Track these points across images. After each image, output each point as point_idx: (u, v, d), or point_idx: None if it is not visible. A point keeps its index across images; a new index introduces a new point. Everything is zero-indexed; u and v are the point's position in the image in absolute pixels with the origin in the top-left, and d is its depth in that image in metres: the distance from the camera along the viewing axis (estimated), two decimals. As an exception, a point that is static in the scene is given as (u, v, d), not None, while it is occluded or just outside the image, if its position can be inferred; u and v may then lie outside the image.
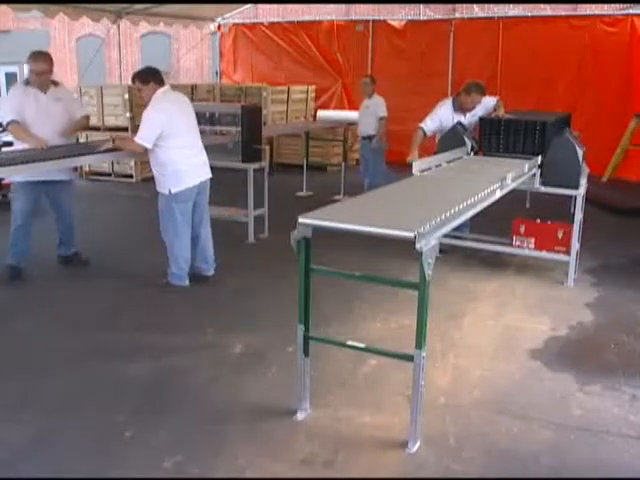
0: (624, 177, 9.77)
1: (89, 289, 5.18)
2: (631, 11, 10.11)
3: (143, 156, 5.18)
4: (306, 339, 3.21)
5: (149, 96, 4.81)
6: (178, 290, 5.05)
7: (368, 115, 8.07)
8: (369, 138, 8.06)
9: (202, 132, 6.49)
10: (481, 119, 5.75)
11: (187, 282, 5.11)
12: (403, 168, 5.31)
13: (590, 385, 3.64)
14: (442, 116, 5.97)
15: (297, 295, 3.16)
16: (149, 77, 4.83)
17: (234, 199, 6.66)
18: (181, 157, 4.85)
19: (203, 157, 5.10)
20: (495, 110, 5.98)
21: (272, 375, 3.73)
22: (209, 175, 5.13)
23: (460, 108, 5.97)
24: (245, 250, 6.31)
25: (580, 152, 5.23)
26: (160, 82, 4.84)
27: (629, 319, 4.62)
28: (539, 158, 5.18)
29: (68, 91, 5.76)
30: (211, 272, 5.28)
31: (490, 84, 10.88)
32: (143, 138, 4.74)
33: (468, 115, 5.98)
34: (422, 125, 5.99)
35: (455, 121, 5.83)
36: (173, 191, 4.85)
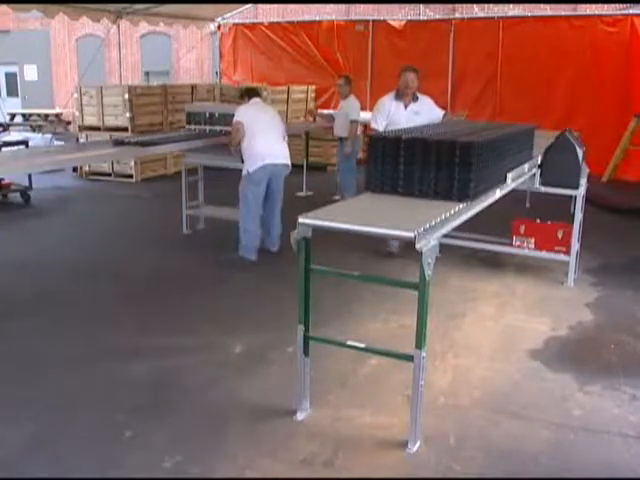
0: (624, 177, 9.78)
1: (90, 289, 5.18)
2: (631, 11, 10.12)
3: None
4: (306, 339, 3.21)
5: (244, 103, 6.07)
6: (246, 264, 5.72)
7: (341, 117, 8.02)
8: (341, 140, 8.04)
9: (202, 132, 6.55)
10: (371, 137, 3.84)
11: (254, 256, 5.84)
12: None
13: (590, 385, 3.64)
14: (383, 105, 5.82)
15: (297, 295, 3.16)
16: (244, 94, 6.19)
17: (234, 199, 6.65)
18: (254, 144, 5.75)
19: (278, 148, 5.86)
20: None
21: (272, 375, 3.73)
22: (283, 161, 5.85)
23: (399, 95, 5.81)
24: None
25: (580, 152, 5.23)
26: (249, 97, 6.08)
27: (629, 319, 4.62)
28: (459, 205, 3.39)
29: None
30: (274, 248, 6.06)
31: (490, 84, 11.00)
32: (235, 118, 5.84)
33: (409, 108, 5.78)
34: (373, 126, 5.81)
35: (398, 109, 5.68)
36: (250, 171, 5.76)
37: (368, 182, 3.68)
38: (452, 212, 3.25)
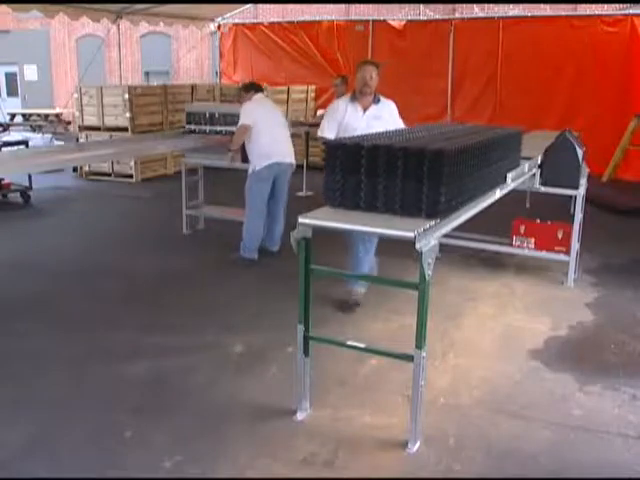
0: (624, 177, 9.78)
1: (89, 289, 5.18)
2: (631, 11, 10.12)
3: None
4: (306, 339, 3.21)
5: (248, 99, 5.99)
6: (247, 264, 5.73)
7: None
8: None
9: (202, 132, 6.56)
10: (327, 145, 3.51)
11: (256, 255, 5.84)
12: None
13: (590, 385, 3.64)
14: (334, 110, 4.83)
15: (297, 295, 3.16)
16: (247, 89, 6.07)
17: (234, 199, 6.66)
18: (261, 143, 5.71)
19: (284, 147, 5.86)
20: None
21: (272, 375, 3.73)
22: (289, 160, 5.84)
23: (356, 96, 4.74)
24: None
25: (580, 152, 5.23)
26: (255, 92, 5.97)
27: (629, 319, 4.62)
28: (428, 223, 2.95)
29: None
30: (275, 248, 6.02)
31: (490, 84, 10.99)
32: (243, 120, 5.76)
33: (369, 112, 4.72)
34: (320, 135, 4.82)
35: (355, 114, 4.72)
36: (257, 169, 5.71)
37: (326, 196, 3.26)
38: (419, 231, 2.82)
